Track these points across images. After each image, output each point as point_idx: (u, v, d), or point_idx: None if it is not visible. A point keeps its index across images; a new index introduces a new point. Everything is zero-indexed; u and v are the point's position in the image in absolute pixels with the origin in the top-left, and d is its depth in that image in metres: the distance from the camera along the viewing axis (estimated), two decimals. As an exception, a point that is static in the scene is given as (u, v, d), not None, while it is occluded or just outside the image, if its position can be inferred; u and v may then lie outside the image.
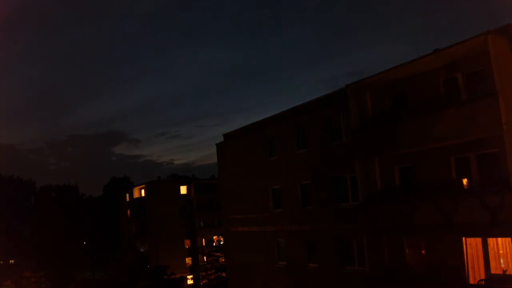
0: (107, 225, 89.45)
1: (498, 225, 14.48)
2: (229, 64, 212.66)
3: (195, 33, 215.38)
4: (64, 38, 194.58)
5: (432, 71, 17.47)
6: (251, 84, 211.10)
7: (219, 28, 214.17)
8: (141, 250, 73.47)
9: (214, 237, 73.95)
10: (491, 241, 15.88)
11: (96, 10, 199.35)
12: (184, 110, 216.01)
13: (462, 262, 16.31)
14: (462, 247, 16.38)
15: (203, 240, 73.84)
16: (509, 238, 15.29)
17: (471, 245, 16.30)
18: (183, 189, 75.26)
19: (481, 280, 15.76)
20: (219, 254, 59.48)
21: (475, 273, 16.09)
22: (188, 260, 72.04)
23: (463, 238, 16.39)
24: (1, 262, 66.59)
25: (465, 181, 16.68)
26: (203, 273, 63.31)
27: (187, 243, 73.34)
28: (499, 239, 15.76)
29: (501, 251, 15.87)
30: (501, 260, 15.80)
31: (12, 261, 68.54)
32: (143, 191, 76.11)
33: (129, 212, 79.72)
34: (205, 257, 66.75)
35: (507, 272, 15.45)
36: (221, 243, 65.60)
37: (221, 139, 32.46)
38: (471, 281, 15.93)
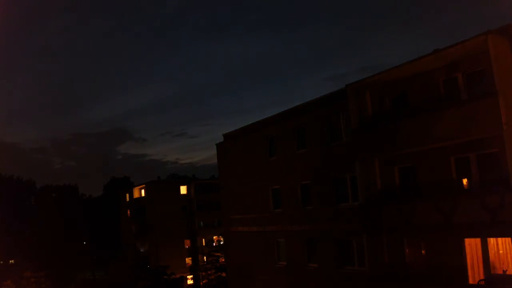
0: (107, 225, 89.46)
1: (498, 225, 14.49)
2: (238, 63, 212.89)
3: (205, 33, 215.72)
4: (70, 37, 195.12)
5: (432, 71, 17.47)
6: (260, 83, 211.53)
7: (230, 26, 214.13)
8: (141, 250, 73.47)
9: (214, 237, 73.94)
10: (491, 241, 15.88)
11: (104, 9, 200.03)
12: (191, 109, 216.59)
13: (462, 262, 16.31)
14: (462, 247, 16.38)
15: (203, 240, 73.84)
16: (509, 238, 15.29)
17: (471, 245, 16.30)
18: (183, 189, 75.26)
19: (481, 280, 15.76)
20: (219, 254, 59.47)
21: (475, 273, 16.09)
22: (188, 260, 72.02)
23: (463, 238, 16.40)
24: (1, 262, 66.55)
25: (465, 181, 16.68)
26: (203, 273, 63.31)
27: (187, 243, 73.32)
28: (499, 239, 15.76)
29: (501, 251, 15.88)
30: (501, 260, 15.80)
31: (12, 261, 68.52)
32: (143, 191, 76.12)
33: (129, 212, 79.73)
34: (205, 257, 66.74)
35: (507, 272, 15.45)
36: (221, 243, 65.61)
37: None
38: (471, 281, 15.93)
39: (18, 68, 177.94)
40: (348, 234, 21.32)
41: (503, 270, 15.57)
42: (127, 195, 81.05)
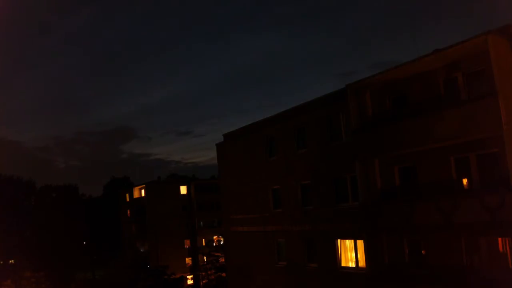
0: (107, 225, 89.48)
1: (498, 225, 14.49)
2: (247, 63, 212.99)
3: (213, 31, 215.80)
4: (76, 37, 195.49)
5: (432, 71, 17.48)
6: (269, 83, 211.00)
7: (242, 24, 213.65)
8: (141, 250, 73.46)
9: (214, 237, 74.00)
10: (490, 241, 15.88)
11: (110, 7, 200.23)
12: (197, 109, 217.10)
13: (462, 262, 16.32)
14: (462, 247, 16.39)
15: (203, 240, 73.87)
16: (509, 238, 15.28)
17: (471, 245, 16.30)
18: (183, 189, 75.27)
19: (481, 280, 15.75)
20: (219, 254, 59.49)
21: (475, 273, 16.08)
22: (188, 260, 72.03)
23: (463, 238, 16.41)
24: (1, 262, 66.50)
25: (465, 181, 16.68)
26: (203, 273, 63.32)
27: (187, 243, 73.34)
28: (499, 238, 15.75)
29: (501, 251, 15.87)
30: (500, 260, 15.80)
31: (12, 261, 68.45)
32: (143, 191, 76.12)
33: (129, 212, 79.74)
34: (205, 257, 66.76)
35: (507, 272, 15.43)
36: (221, 243, 65.61)
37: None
38: (471, 281, 15.92)
39: (23, 68, 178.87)
40: (348, 234, 21.31)
41: (503, 270, 15.56)
42: (127, 195, 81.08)
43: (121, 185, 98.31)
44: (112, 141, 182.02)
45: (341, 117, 22.07)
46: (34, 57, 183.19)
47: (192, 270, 70.04)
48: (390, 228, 18.52)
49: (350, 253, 21.66)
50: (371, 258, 19.21)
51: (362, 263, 20.70)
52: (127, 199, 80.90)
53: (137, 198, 77.39)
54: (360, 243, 20.65)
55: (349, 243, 21.77)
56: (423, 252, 18.02)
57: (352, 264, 21.51)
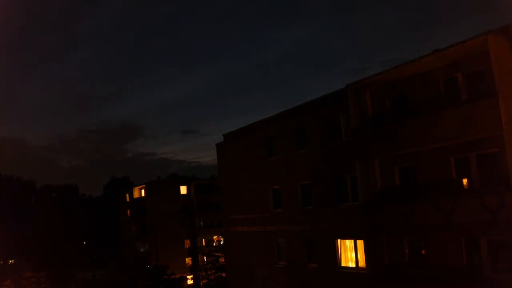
0: (107, 225, 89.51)
1: (498, 225, 14.49)
2: (254, 63, 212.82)
3: (222, 30, 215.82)
4: (85, 37, 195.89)
5: (432, 71, 17.47)
6: (280, 83, 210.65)
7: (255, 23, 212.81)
8: (141, 250, 73.46)
9: (214, 237, 74.01)
10: (490, 241, 15.87)
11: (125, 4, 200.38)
12: (205, 109, 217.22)
13: (462, 262, 16.32)
14: (462, 247, 16.40)
15: (203, 240, 73.88)
16: (509, 238, 15.28)
17: (471, 245, 16.30)
18: (183, 189, 75.29)
19: (481, 280, 15.75)
20: (219, 254, 59.51)
21: (475, 273, 16.08)
22: (188, 260, 72.05)
23: (463, 238, 16.41)
24: (1, 262, 66.53)
25: (465, 181, 16.68)
26: (203, 273, 63.33)
27: (187, 243, 73.36)
28: (499, 239, 15.75)
29: (500, 251, 15.86)
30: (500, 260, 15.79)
31: (12, 261, 68.51)
32: (143, 191, 76.14)
33: (129, 212, 79.75)
34: (205, 257, 66.79)
35: (506, 272, 15.43)
36: (221, 243, 65.64)
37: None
38: (471, 281, 15.92)
39: (30, 67, 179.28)
40: (348, 234, 21.31)
41: (502, 270, 15.55)
42: (127, 195, 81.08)
43: (121, 185, 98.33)
44: (118, 140, 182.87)
45: (341, 117, 22.07)
46: (43, 55, 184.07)
47: (192, 270, 70.05)
48: (390, 228, 18.51)
49: (350, 253, 21.66)
50: (371, 258, 19.20)
51: (362, 263, 20.70)
52: (127, 199, 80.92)
53: (137, 198, 77.41)
54: (360, 243, 20.65)
55: (349, 243, 21.76)
56: (423, 252, 18.02)
57: (352, 264, 21.51)
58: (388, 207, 18.55)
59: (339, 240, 22.16)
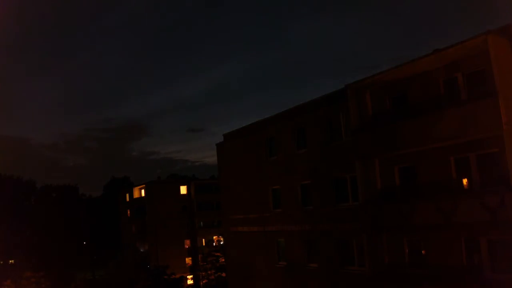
0: (107, 225, 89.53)
1: (498, 225, 14.49)
2: (267, 64, 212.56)
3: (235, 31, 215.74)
4: (94, 37, 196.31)
5: (432, 71, 17.47)
6: (289, 83, 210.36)
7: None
8: (141, 250, 73.47)
9: (214, 237, 74.00)
10: (490, 241, 15.87)
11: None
12: (210, 110, 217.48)
13: (462, 262, 16.32)
14: (462, 247, 16.39)
15: (203, 240, 73.88)
16: (509, 238, 15.28)
17: (471, 245, 16.30)
18: (183, 189, 75.28)
19: (481, 280, 15.75)
20: (219, 254, 59.51)
21: (475, 273, 16.08)
22: (188, 260, 72.05)
23: (463, 238, 16.40)
24: (1, 262, 66.56)
25: (465, 181, 16.68)
26: (203, 273, 63.32)
27: (187, 243, 73.35)
28: (499, 239, 15.75)
29: (500, 251, 15.86)
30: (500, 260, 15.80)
31: (12, 261, 68.54)
32: (143, 191, 76.14)
33: (129, 212, 79.74)
34: (204, 257, 66.75)
35: (506, 272, 15.44)
36: (221, 243, 65.64)
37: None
38: (471, 281, 15.92)
39: (35, 66, 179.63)
40: (348, 234, 21.32)
41: (502, 270, 15.56)
42: (127, 195, 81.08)
43: (121, 185, 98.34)
44: (123, 139, 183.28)
45: (341, 117, 22.07)
46: (47, 55, 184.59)
47: (192, 270, 70.05)
48: (390, 228, 18.51)
49: (350, 253, 21.65)
50: (371, 258, 19.20)
51: (362, 263, 20.69)
52: (127, 199, 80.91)
53: (137, 198, 77.40)
54: (360, 243, 20.64)
55: (349, 243, 21.76)
56: (423, 252, 18.02)
57: (352, 264, 21.49)
58: (388, 207, 18.54)
59: (339, 240, 22.15)
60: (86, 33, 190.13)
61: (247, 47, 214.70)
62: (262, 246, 27.24)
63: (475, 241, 16.19)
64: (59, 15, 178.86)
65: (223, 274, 53.10)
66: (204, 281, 63.61)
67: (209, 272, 61.27)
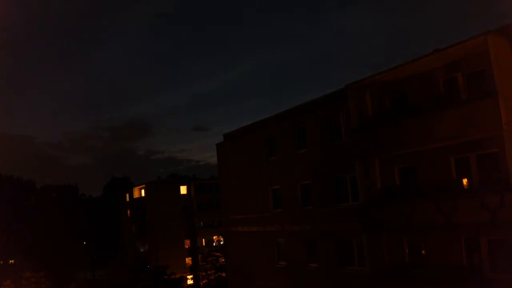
0: (107, 225, 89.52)
1: (498, 225, 14.49)
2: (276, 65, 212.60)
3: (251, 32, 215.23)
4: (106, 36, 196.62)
5: (432, 71, 17.47)
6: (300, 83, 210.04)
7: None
8: (141, 250, 73.48)
9: (214, 237, 74.00)
10: (490, 241, 15.87)
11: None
12: (217, 110, 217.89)
13: (462, 262, 16.32)
14: (462, 247, 16.39)
15: (203, 240, 73.88)
16: (509, 238, 15.28)
17: (471, 245, 16.30)
18: (183, 189, 75.29)
19: (481, 280, 15.75)
20: (219, 254, 59.51)
21: (475, 273, 16.08)
22: (188, 260, 72.05)
23: (463, 238, 16.40)
24: (1, 262, 66.53)
25: (465, 181, 16.68)
26: (203, 273, 63.32)
27: (187, 243, 73.36)
28: (499, 239, 15.75)
29: (500, 251, 15.85)
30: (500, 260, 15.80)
31: (12, 261, 68.49)
32: (143, 191, 76.14)
33: (129, 212, 79.75)
34: (204, 257, 66.75)
35: (506, 272, 15.44)
36: (221, 243, 65.62)
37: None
38: (471, 281, 15.92)
39: (39, 65, 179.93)
40: (348, 234, 21.32)
41: (502, 270, 15.55)
42: (127, 195, 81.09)
43: (121, 185, 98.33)
44: (128, 138, 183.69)
45: (341, 117, 22.07)
46: (51, 55, 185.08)
47: (192, 270, 70.05)
48: (390, 228, 18.51)
49: (350, 253, 21.65)
50: (371, 258, 19.20)
51: (362, 263, 20.69)
52: (127, 199, 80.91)
53: (137, 198, 77.41)
54: (360, 243, 20.63)
55: (349, 243, 21.76)
56: (423, 252, 18.02)
57: (352, 264, 21.49)
58: (388, 207, 18.54)
59: (339, 240, 22.15)
60: (93, 33, 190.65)
61: (252, 47, 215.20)
62: (262, 246, 27.24)
63: (475, 241, 16.19)
64: (61, 15, 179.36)
65: (223, 274, 53.10)
66: (204, 281, 63.61)
67: (209, 272, 61.26)
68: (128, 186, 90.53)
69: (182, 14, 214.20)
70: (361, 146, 19.68)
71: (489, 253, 15.87)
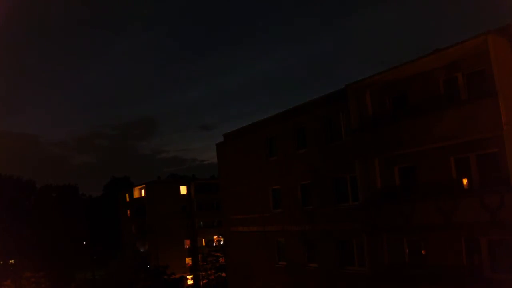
0: (107, 225, 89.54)
1: (498, 225, 14.49)
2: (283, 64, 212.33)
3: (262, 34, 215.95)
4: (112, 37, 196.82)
5: (432, 71, 17.47)
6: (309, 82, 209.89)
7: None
8: (141, 250, 73.47)
9: (214, 237, 74.00)
10: (490, 241, 15.87)
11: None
12: (223, 110, 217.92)
13: (462, 262, 16.32)
14: (462, 247, 16.39)
15: (203, 240, 73.87)
16: (509, 238, 15.28)
17: (471, 245, 16.30)
18: (183, 189, 75.30)
19: (481, 280, 15.75)
20: (219, 254, 59.51)
21: (475, 273, 16.08)
22: (188, 260, 72.04)
23: (463, 238, 16.40)
24: (1, 262, 66.50)
25: (465, 181, 16.68)
26: (203, 273, 63.32)
27: (187, 243, 73.36)
28: (499, 239, 15.75)
29: (500, 251, 15.85)
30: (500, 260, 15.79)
31: (12, 261, 68.46)
32: (143, 191, 76.13)
33: (129, 212, 79.75)
34: (204, 257, 66.76)
35: (506, 272, 15.44)
36: (221, 243, 65.62)
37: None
38: (471, 281, 15.92)
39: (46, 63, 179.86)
40: (348, 234, 21.32)
41: (502, 270, 15.55)
42: (127, 195, 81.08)
43: (121, 185, 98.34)
44: (134, 136, 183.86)
45: (341, 117, 22.07)
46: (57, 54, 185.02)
47: (192, 270, 70.04)
48: (390, 228, 18.51)
49: (350, 253, 21.64)
50: (371, 258, 19.20)
51: (362, 263, 20.69)
52: (127, 199, 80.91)
53: (137, 198, 77.40)
54: (360, 243, 20.64)
55: (349, 243, 21.76)
56: (423, 252, 18.02)
57: (352, 264, 21.49)
58: (388, 207, 18.54)
59: (339, 240, 22.15)
60: (102, 31, 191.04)
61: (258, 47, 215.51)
62: (262, 246, 27.24)
63: (475, 241, 16.19)
64: (65, 15, 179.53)
65: (223, 274, 53.09)
66: (204, 281, 63.60)
67: (209, 272, 61.27)
68: (128, 186, 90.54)
69: (191, 15, 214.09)
70: (361, 146, 19.68)
71: (489, 253, 15.87)
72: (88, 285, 63.63)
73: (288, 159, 25.37)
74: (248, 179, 28.75)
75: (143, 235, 73.17)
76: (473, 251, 16.29)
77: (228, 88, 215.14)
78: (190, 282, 69.04)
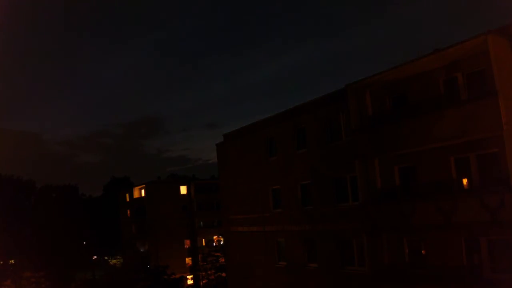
0: (107, 225, 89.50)
1: (498, 225, 14.49)
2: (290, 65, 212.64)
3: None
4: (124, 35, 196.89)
5: (432, 71, 17.47)
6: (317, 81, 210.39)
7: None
8: (141, 250, 73.49)
9: (214, 237, 74.01)
10: (490, 241, 15.87)
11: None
12: (229, 110, 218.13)
13: (462, 262, 16.32)
14: (462, 247, 16.39)
15: (203, 240, 73.88)
16: (509, 238, 15.28)
17: (471, 245, 16.30)
18: (183, 189, 75.31)
19: (481, 280, 15.75)
20: (219, 254, 59.52)
21: (475, 273, 16.08)
22: (188, 260, 72.04)
23: (463, 238, 16.41)
24: (1, 262, 66.50)
25: (465, 181, 16.68)
26: (203, 273, 63.32)
27: (187, 243, 73.37)
28: (499, 239, 15.75)
29: (500, 251, 15.86)
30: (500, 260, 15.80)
31: (12, 261, 68.46)
32: (143, 191, 76.14)
33: (129, 212, 79.76)
34: (204, 257, 66.78)
35: (506, 272, 15.44)
36: (221, 243, 65.64)
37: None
38: (471, 281, 15.92)
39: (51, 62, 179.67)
40: (348, 234, 21.32)
41: (502, 270, 15.55)
42: (127, 195, 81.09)
43: (121, 185, 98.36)
44: (140, 135, 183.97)
45: (341, 117, 22.06)
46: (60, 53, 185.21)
47: (192, 270, 70.03)
48: (390, 228, 18.51)
49: (350, 253, 21.65)
50: (371, 258, 19.20)
51: (362, 263, 20.69)
52: (127, 199, 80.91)
53: (137, 198, 77.41)
54: (360, 243, 20.64)
55: (349, 243, 21.76)
56: (423, 252, 18.02)
57: (352, 264, 21.49)
58: (388, 207, 18.55)
59: (339, 240, 22.15)
60: (110, 30, 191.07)
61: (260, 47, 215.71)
62: (262, 246, 27.24)
63: (475, 241, 16.19)
64: (69, 16, 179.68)
65: (223, 274, 53.08)
66: (204, 281, 63.60)
67: (209, 272, 61.26)
68: (128, 186, 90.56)
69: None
70: (361, 146, 19.68)
71: (489, 253, 15.87)
72: (88, 285, 63.59)
73: (288, 159, 25.37)
74: (248, 179, 28.74)
75: (143, 235, 73.19)
76: (473, 251, 16.30)
77: (235, 87, 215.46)
78: (190, 282, 69.03)
